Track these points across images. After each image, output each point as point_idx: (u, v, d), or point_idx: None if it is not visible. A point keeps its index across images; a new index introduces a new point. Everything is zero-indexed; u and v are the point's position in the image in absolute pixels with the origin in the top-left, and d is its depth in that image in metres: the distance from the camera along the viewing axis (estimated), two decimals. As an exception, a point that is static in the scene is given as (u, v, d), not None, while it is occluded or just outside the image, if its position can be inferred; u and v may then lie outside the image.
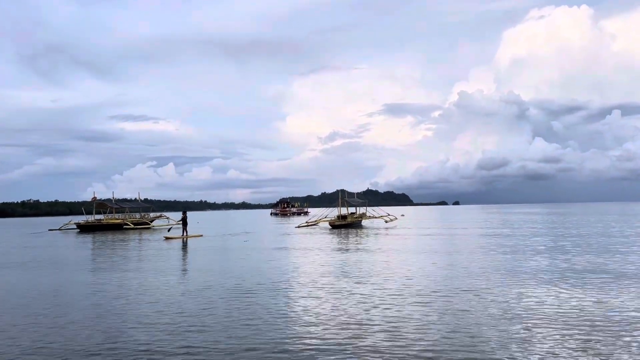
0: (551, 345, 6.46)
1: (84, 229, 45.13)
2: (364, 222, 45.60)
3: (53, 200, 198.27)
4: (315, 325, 7.80)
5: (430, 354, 6.22)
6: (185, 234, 30.62)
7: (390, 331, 7.30)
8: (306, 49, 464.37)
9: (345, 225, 39.62)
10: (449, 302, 9.07)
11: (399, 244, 22.53)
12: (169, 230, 30.59)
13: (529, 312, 8.18)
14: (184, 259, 18.81)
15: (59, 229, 48.41)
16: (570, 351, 6.18)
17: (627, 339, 6.64)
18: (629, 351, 6.15)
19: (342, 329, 7.52)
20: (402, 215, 65.76)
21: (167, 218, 53.04)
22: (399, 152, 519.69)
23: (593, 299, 9.13)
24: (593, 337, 6.72)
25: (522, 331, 7.09)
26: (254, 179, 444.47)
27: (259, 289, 11.19)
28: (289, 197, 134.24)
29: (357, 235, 29.28)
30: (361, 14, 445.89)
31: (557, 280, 11.24)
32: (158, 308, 9.34)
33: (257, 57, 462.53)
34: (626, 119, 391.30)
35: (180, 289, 11.63)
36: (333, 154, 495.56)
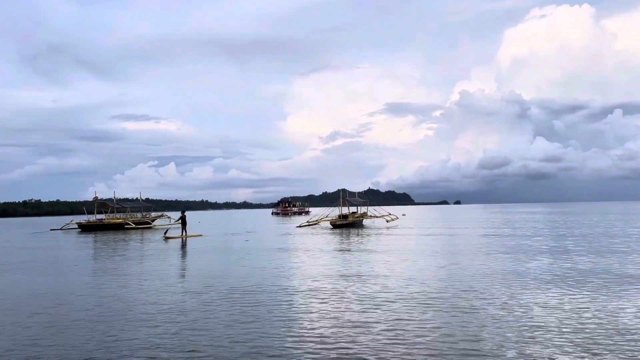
0: (553, 349, 6.40)
1: (85, 228, 45.17)
2: (365, 222, 45.56)
3: (54, 200, 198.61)
4: (317, 325, 7.77)
5: (432, 357, 6.19)
6: (184, 233, 30.62)
7: (392, 333, 7.25)
8: (307, 49, 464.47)
9: (346, 225, 39.59)
10: (450, 304, 8.98)
11: (400, 245, 22.49)
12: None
13: (531, 315, 8.10)
14: (185, 259, 18.80)
15: (61, 229, 48.46)
16: (573, 357, 6.11)
17: (632, 343, 6.55)
18: (633, 356, 6.07)
19: (344, 330, 7.49)
20: (404, 215, 65.71)
21: (169, 218, 53.07)
22: (400, 151, 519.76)
23: (596, 302, 9.00)
24: (595, 341, 6.64)
25: (524, 334, 7.02)
26: (255, 178, 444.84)
27: (260, 289, 11.16)
28: (290, 197, 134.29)
29: (358, 235, 29.25)
30: (362, 14, 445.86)
31: (560, 282, 11.13)
32: (158, 308, 9.32)
33: (258, 57, 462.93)
34: (627, 118, 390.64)
35: (181, 289, 11.61)
36: (334, 154, 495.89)
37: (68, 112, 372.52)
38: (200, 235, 33.04)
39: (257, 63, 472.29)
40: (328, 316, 8.36)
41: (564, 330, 7.14)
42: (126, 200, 54.83)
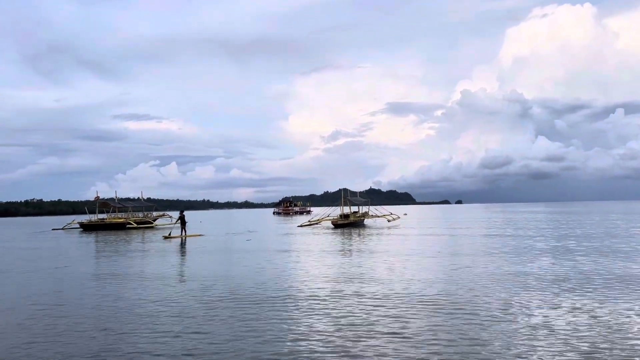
0: (555, 352, 6.35)
1: (87, 228, 45.23)
2: (367, 221, 45.53)
3: (56, 200, 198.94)
4: (318, 328, 7.74)
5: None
6: (183, 233, 30.65)
7: (393, 335, 7.19)
8: (308, 48, 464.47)
9: (347, 225, 39.55)
10: (452, 307, 8.85)
11: (402, 245, 22.47)
12: (169, 233, 30.56)
13: (533, 317, 7.99)
14: (187, 259, 18.78)
15: (62, 228, 48.53)
16: None
17: (637, 347, 6.44)
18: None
19: (346, 331, 7.45)
20: (405, 215, 65.64)
21: (170, 217, 53.15)
22: (402, 151, 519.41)
23: (600, 303, 8.83)
24: (599, 345, 6.53)
25: (526, 337, 6.93)
26: (256, 178, 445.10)
27: (261, 290, 11.13)
28: (292, 196, 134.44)
29: (359, 235, 29.22)
30: (363, 13, 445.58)
31: (564, 284, 11.00)
32: (160, 309, 9.31)
33: (259, 57, 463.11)
34: (630, 117, 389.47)
35: (183, 290, 11.60)
36: (336, 153, 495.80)
37: (70, 112, 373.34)
38: (202, 235, 33.07)
39: (259, 63, 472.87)
40: (329, 317, 8.33)
41: (567, 332, 7.06)
42: (128, 199, 54.92)
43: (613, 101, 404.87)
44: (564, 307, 8.61)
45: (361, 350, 6.46)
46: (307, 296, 10.16)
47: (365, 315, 8.27)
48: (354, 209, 45.21)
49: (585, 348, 6.33)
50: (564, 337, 6.84)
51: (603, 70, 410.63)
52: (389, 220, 44.72)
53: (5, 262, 19.33)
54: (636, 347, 6.32)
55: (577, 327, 7.31)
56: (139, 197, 58.07)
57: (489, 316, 8.02)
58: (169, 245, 24.77)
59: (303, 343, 6.86)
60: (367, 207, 47.76)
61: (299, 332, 7.43)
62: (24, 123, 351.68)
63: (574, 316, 7.94)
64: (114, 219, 47.17)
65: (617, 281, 11.00)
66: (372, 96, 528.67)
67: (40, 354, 6.69)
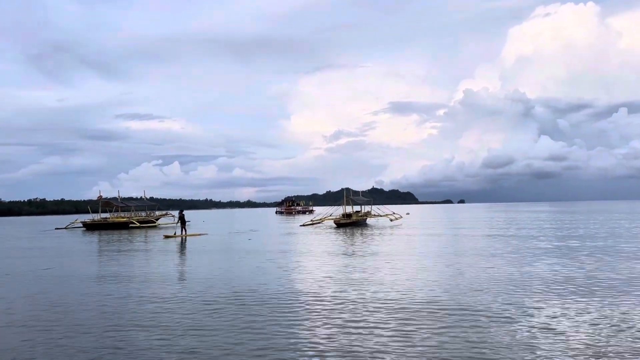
0: (562, 357, 6.28)
1: (90, 227, 45.35)
2: (369, 221, 45.51)
3: (59, 199, 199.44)
4: (320, 329, 7.72)
5: None
6: (184, 232, 30.68)
7: (396, 339, 7.14)
8: (311, 48, 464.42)
9: (350, 224, 39.53)
10: (454, 310, 8.71)
11: (404, 245, 22.41)
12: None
13: (539, 322, 7.80)
14: (189, 259, 18.77)
15: (66, 228, 48.67)
16: None
17: None
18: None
19: (348, 335, 7.42)
20: (407, 214, 65.60)
21: (173, 216, 53.18)
22: (404, 150, 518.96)
23: (605, 306, 8.64)
24: (603, 349, 6.43)
25: (532, 342, 6.80)
26: (259, 177, 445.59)
27: (263, 289, 11.12)
28: (294, 196, 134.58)
29: (362, 235, 29.19)
30: (365, 12, 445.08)
31: (568, 286, 10.82)
32: (163, 310, 9.32)
33: (261, 56, 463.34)
34: (633, 116, 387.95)
35: (185, 291, 11.60)
36: (338, 153, 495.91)
37: (72, 112, 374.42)
38: (206, 234, 33.14)
39: (261, 62, 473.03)
40: (332, 319, 8.28)
41: (573, 336, 6.96)
42: (130, 199, 55.07)
43: (616, 100, 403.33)
44: (570, 309, 8.50)
45: (364, 353, 6.44)
46: (309, 297, 10.14)
47: (368, 318, 8.16)
48: (357, 208, 45.18)
49: (592, 352, 6.26)
50: (570, 340, 6.77)
51: (606, 69, 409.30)
52: (391, 220, 44.70)
53: (8, 262, 19.39)
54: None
55: (583, 329, 7.21)
56: (141, 197, 58.21)
57: (494, 319, 7.90)
58: (170, 245, 24.80)
59: (305, 345, 6.84)
60: (370, 206, 47.74)
61: (301, 333, 7.40)
62: (27, 122, 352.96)
63: (581, 318, 7.85)
64: (117, 219, 47.27)
65: (623, 282, 10.83)
66: (374, 95, 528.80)
67: (42, 354, 6.71)
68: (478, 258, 15.67)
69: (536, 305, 8.72)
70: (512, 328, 7.27)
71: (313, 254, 18.31)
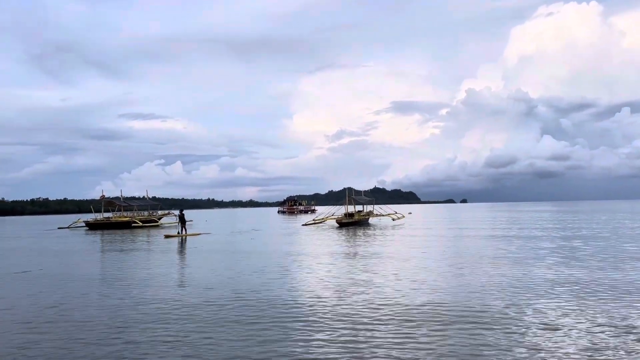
0: None
1: (92, 227, 45.42)
2: (371, 220, 45.47)
3: (62, 199, 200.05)
4: (323, 332, 7.70)
5: None
6: (184, 231, 30.72)
7: (399, 344, 7.07)
8: (313, 47, 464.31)
9: (352, 223, 39.51)
10: (457, 316, 8.51)
11: (406, 247, 22.30)
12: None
13: (541, 327, 7.60)
14: (191, 259, 18.74)
15: (68, 227, 48.77)
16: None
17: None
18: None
19: (350, 339, 7.40)
20: (410, 214, 65.50)
21: (175, 216, 53.27)
22: (407, 150, 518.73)
23: (611, 312, 8.33)
24: (614, 354, 6.35)
25: (534, 348, 6.69)
26: (261, 177, 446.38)
27: (265, 290, 11.10)
28: (296, 195, 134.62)
29: (364, 235, 29.16)
30: (367, 12, 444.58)
31: (575, 290, 10.55)
32: (163, 310, 9.31)
33: (264, 55, 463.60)
34: (636, 116, 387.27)
35: (186, 290, 11.59)
36: (340, 152, 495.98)
37: (76, 111, 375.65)
38: (209, 233, 33.20)
39: (263, 62, 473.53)
40: (334, 322, 8.25)
41: (575, 339, 6.89)
42: (133, 198, 55.15)
43: (619, 100, 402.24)
44: (574, 311, 8.43)
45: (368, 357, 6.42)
46: (311, 298, 10.11)
47: (372, 322, 8.02)
48: (359, 208, 45.16)
49: (597, 354, 6.20)
50: (574, 343, 6.71)
51: (609, 68, 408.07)
52: (393, 219, 44.65)
53: (11, 262, 19.44)
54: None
55: (588, 332, 7.14)
56: (144, 196, 58.25)
57: (498, 322, 7.80)
58: (171, 245, 24.82)
59: (308, 348, 6.82)
60: (372, 206, 47.70)
61: (303, 336, 7.38)
62: (30, 122, 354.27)
63: (585, 321, 7.78)
64: (120, 218, 47.35)
65: (627, 284, 10.66)
66: (376, 95, 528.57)
67: (44, 355, 6.72)
68: (481, 259, 15.57)
69: (540, 307, 8.62)
70: (516, 331, 7.21)
71: (315, 255, 18.28)
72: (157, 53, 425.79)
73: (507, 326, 7.38)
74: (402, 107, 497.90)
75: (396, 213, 46.57)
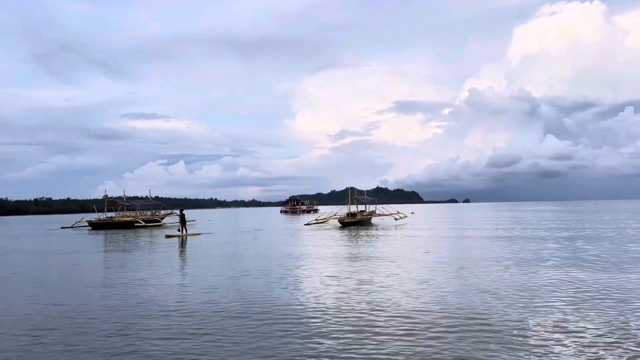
0: None
1: (95, 226, 45.49)
2: (374, 220, 45.41)
3: (65, 198, 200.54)
4: (324, 334, 7.66)
5: None
6: (185, 231, 30.75)
7: (402, 351, 7.05)
8: (315, 47, 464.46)
9: (354, 223, 39.47)
10: (461, 322, 8.39)
11: (409, 248, 22.19)
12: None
13: (545, 334, 7.42)
14: (193, 260, 18.72)
15: (72, 227, 48.87)
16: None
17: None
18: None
19: (353, 344, 7.34)
20: (412, 213, 65.42)
21: (178, 216, 53.35)
22: (409, 149, 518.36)
23: (617, 315, 8.19)
24: None
25: (539, 353, 6.64)
26: (263, 176, 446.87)
27: (267, 291, 11.07)
28: (299, 195, 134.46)
29: (366, 235, 29.11)
30: (370, 11, 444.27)
31: (576, 292, 10.40)
32: (165, 310, 9.28)
33: (266, 55, 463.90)
34: (639, 115, 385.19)
35: (187, 291, 11.56)
36: (342, 152, 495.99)
37: (79, 111, 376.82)
38: (211, 233, 33.24)
39: (266, 61, 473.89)
40: (337, 326, 8.20)
41: (579, 345, 6.81)
42: (136, 198, 55.19)
43: (622, 99, 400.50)
44: (579, 315, 8.34)
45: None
46: (313, 299, 10.07)
47: (377, 327, 7.89)
48: (361, 207, 45.11)
49: None
50: (579, 348, 6.65)
51: (612, 67, 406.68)
52: (395, 219, 44.59)
53: (15, 261, 19.47)
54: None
55: (592, 337, 7.07)
56: (147, 196, 58.36)
57: (502, 328, 7.71)
58: (172, 245, 24.82)
59: (309, 351, 6.78)
60: (374, 205, 47.64)
61: (305, 338, 7.34)
62: (33, 122, 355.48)
63: (590, 325, 7.70)
64: (123, 218, 47.41)
65: (635, 286, 10.52)
66: (379, 95, 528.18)
67: (48, 355, 6.71)
68: (484, 261, 15.46)
69: (545, 311, 8.53)
70: (521, 335, 7.16)
71: (317, 256, 18.23)
72: (160, 53, 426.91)
73: (511, 330, 7.31)
74: (404, 107, 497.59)
75: (399, 213, 46.49)
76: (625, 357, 5.94)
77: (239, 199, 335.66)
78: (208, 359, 6.27)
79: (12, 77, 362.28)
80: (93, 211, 52.86)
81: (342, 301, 9.44)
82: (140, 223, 45.05)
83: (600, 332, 6.99)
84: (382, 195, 78.46)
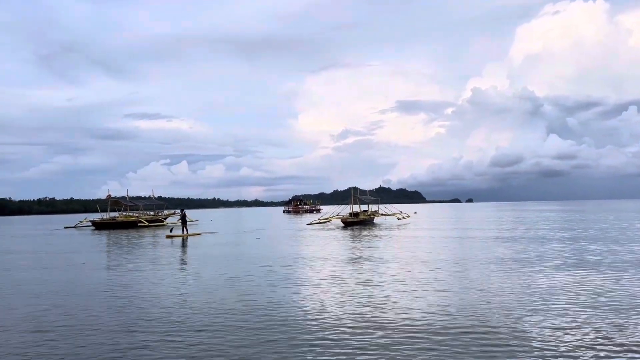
0: None
1: (99, 226, 45.59)
2: (376, 220, 45.37)
3: (69, 198, 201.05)
4: (326, 335, 7.63)
5: None
6: (185, 231, 30.80)
7: (401, 352, 7.02)
8: (318, 46, 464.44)
9: (357, 223, 39.44)
10: (463, 329, 8.25)
11: (411, 249, 22.11)
12: (171, 229, 31.20)
13: (549, 337, 7.24)
14: (192, 260, 18.73)
15: (75, 227, 48.99)
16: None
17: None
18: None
19: (355, 350, 7.32)
20: (415, 213, 65.34)
21: (179, 215, 53.43)
22: (412, 149, 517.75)
23: (624, 321, 8.01)
24: None
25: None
26: (266, 176, 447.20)
27: (268, 291, 11.06)
28: (302, 195, 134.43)
29: (369, 235, 29.07)
30: (372, 10, 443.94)
31: (582, 297, 10.25)
32: (166, 311, 9.28)
33: (269, 55, 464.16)
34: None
35: (189, 291, 11.54)
36: (345, 152, 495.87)
37: (82, 111, 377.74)
38: (215, 233, 33.31)
39: (268, 61, 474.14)
40: (340, 328, 8.18)
41: (583, 352, 6.70)
42: (139, 198, 55.34)
43: (626, 98, 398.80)
44: (583, 320, 8.24)
45: None
46: (315, 300, 10.06)
47: (381, 335, 7.76)
48: (364, 207, 45.08)
49: None
50: (583, 355, 6.57)
51: (616, 67, 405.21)
52: (398, 219, 44.54)
53: (18, 261, 19.53)
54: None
55: (596, 344, 6.99)
56: (150, 196, 58.48)
57: (505, 332, 7.66)
58: (173, 245, 24.84)
59: (312, 354, 6.76)
60: (377, 205, 47.59)
61: (307, 341, 7.33)
62: (37, 122, 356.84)
63: (594, 331, 7.63)
64: (126, 218, 47.50)
65: None
66: (381, 94, 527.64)
67: (52, 355, 6.72)
68: (487, 262, 15.38)
69: (549, 315, 8.45)
70: (524, 336, 7.12)
71: (320, 256, 18.19)
72: (163, 53, 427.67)
73: (514, 332, 7.27)
74: (407, 106, 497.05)
75: (401, 213, 46.44)
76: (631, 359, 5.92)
77: (242, 198, 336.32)
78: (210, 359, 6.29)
79: (15, 77, 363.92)
80: (96, 211, 52.94)
81: (345, 302, 9.42)
82: (144, 223, 45.13)
83: (604, 335, 6.94)
84: (385, 195, 78.47)
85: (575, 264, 13.73)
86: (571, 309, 8.36)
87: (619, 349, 6.29)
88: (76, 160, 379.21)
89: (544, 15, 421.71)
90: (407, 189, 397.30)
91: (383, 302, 9.29)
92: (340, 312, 8.52)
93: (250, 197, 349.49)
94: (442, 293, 10.01)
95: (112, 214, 49.40)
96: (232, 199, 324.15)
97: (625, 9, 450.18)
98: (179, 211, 59.84)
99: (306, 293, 10.40)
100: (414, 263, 14.88)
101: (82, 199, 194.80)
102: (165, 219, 51.19)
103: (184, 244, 24.68)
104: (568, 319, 7.70)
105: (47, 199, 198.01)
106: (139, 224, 44.90)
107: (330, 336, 7.10)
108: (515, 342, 6.60)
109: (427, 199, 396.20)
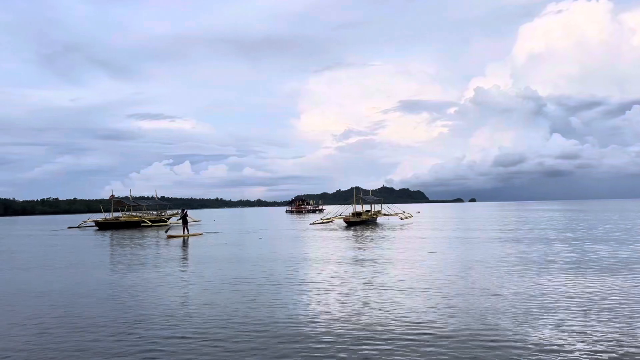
0: None
1: (102, 226, 45.71)
2: (379, 220, 45.31)
3: (72, 199, 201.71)
4: (326, 337, 7.59)
5: None
6: (186, 232, 30.84)
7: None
8: (320, 46, 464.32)
9: (360, 223, 39.41)
10: (466, 335, 8.28)
11: (414, 249, 22.04)
12: (167, 229, 31.28)
13: (550, 341, 7.20)
14: (194, 260, 18.73)
15: (78, 227, 49.12)
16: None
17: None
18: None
19: (352, 344, 7.27)
20: (418, 213, 65.25)
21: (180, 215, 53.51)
22: (415, 149, 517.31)
23: (633, 327, 7.92)
24: None
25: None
26: (269, 176, 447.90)
27: (269, 292, 11.04)
28: (304, 195, 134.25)
29: (371, 235, 29.02)
30: (375, 10, 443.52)
31: (586, 300, 10.18)
32: (168, 312, 9.26)
33: (271, 55, 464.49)
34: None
35: (191, 292, 11.54)
36: (348, 152, 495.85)
37: (85, 111, 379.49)
38: (218, 232, 33.34)
39: (271, 61, 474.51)
40: (337, 328, 8.14)
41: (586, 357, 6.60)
42: (142, 198, 55.49)
43: (629, 98, 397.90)
44: (588, 326, 8.18)
45: None
46: (317, 300, 10.04)
47: (377, 332, 7.88)
48: (367, 207, 45.05)
49: None
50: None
51: (619, 66, 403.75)
52: (401, 219, 44.49)
53: (21, 261, 19.57)
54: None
55: (609, 344, 6.95)
56: (153, 196, 58.54)
57: (507, 333, 7.63)
58: (173, 245, 24.86)
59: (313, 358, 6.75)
60: (380, 205, 47.56)
61: (310, 343, 7.30)
62: (40, 122, 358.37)
63: (605, 334, 7.56)
64: (129, 218, 47.62)
65: None
66: (384, 94, 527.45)
67: (55, 355, 6.72)
68: (490, 263, 15.32)
69: (550, 313, 8.43)
70: (526, 337, 7.08)
71: (322, 256, 18.17)
72: (166, 53, 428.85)
73: (516, 333, 7.23)
74: (410, 106, 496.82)
75: (404, 212, 46.38)
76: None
77: (245, 198, 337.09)
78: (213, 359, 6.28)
79: (18, 77, 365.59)
80: (99, 211, 53.11)
81: (347, 303, 9.39)
82: (147, 223, 45.22)
83: (608, 336, 6.88)
84: (388, 195, 78.42)
85: (579, 265, 13.66)
86: (576, 311, 8.30)
87: (623, 351, 6.26)
88: (79, 160, 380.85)
89: (546, 14, 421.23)
90: (409, 189, 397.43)
91: (386, 303, 9.25)
92: (343, 313, 8.49)
93: (252, 197, 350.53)
94: (445, 294, 9.96)
95: (115, 214, 49.54)
96: (235, 199, 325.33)
97: (628, 8, 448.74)
98: (179, 211, 60.17)
99: (309, 294, 10.36)
100: (416, 263, 14.84)
101: (85, 199, 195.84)
102: (169, 219, 51.29)
103: (186, 244, 24.68)
104: (573, 322, 7.64)
105: (50, 199, 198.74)
106: (142, 224, 45.00)
107: (332, 336, 7.07)
108: (518, 344, 6.57)
109: (430, 199, 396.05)
